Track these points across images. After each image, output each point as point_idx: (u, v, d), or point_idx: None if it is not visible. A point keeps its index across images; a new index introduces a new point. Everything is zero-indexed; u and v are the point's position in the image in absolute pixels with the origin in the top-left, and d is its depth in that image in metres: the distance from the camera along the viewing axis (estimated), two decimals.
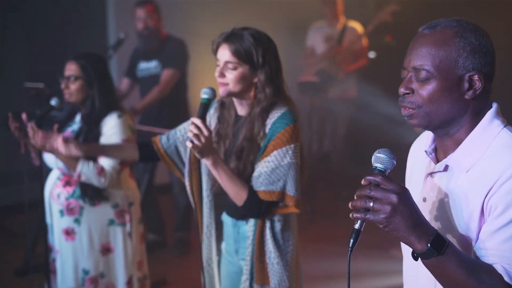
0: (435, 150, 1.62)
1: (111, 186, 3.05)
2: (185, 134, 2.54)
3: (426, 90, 1.50)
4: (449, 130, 1.54)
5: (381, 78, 7.14)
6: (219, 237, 2.60)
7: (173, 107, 4.80)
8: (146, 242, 3.46)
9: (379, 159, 1.46)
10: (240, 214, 2.44)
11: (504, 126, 1.53)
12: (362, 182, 1.42)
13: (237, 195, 2.32)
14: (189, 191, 2.53)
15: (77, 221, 3.08)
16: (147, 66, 4.80)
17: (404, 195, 1.38)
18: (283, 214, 2.40)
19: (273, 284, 2.39)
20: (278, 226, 2.38)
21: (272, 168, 2.30)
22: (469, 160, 1.51)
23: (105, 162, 3.01)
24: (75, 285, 3.12)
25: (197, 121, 2.20)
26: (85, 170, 2.97)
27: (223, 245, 2.59)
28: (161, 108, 4.76)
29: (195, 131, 2.19)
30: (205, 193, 2.51)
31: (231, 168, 2.36)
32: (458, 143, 1.55)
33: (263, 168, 2.31)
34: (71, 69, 3.08)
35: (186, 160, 2.55)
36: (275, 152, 2.30)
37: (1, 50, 5.46)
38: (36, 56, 5.63)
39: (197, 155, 2.26)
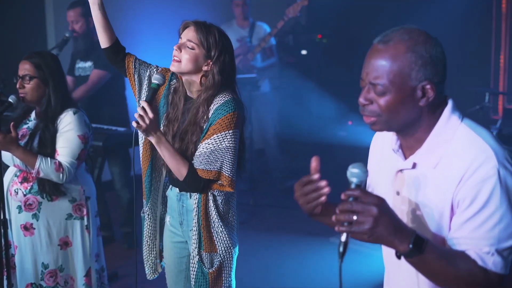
0: (401, 146, 1.75)
1: (68, 181, 3.14)
2: (149, 73, 2.76)
3: (383, 101, 1.62)
4: (409, 131, 1.68)
5: (312, 73, 7.44)
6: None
7: (111, 105, 4.96)
8: None
9: (354, 174, 1.53)
10: (182, 188, 2.68)
11: (462, 120, 1.67)
12: (342, 197, 1.51)
13: (178, 171, 2.57)
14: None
15: (35, 216, 3.14)
16: (83, 66, 4.92)
17: (383, 206, 1.49)
18: (223, 190, 2.63)
19: (220, 251, 2.63)
20: (219, 199, 2.62)
21: (211, 150, 2.53)
22: (434, 157, 1.65)
23: (62, 158, 3.09)
24: (35, 279, 3.18)
25: (144, 104, 2.46)
26: (43, 167, 3.04)
27: (167, 218, 2.84)
28: (100, 106, 4.88)
29: (141, 112, 2.44)
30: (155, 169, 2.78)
31: (176, 148, 2.60)
32: (420, 141, 1.68)
33: (203, 149, 2.54)
34: (25, 68, 3.13)
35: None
36: (214, 136, 2.53)
37: None
38: None
39: (143, 134, 2.52)
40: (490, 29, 5.88)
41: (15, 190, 3.16)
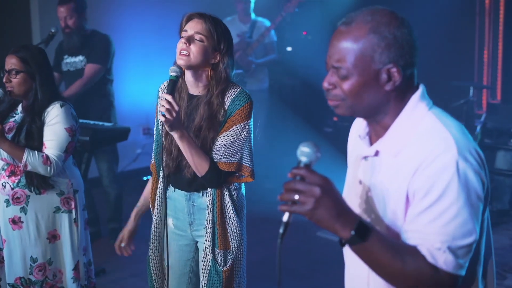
0: (369, 133, 1.68)
1: (56, 174, 3.13)
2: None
3: (346, 85, 1.54)
4: (376, 117, 1.60)
5: (297, 69, 7.48)
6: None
7: (99, 101, 4.99)
8: None
9: (304, 153, 1.46)
10: (195, 187, 2.61)
11: (430, 109, 1.57)
12: (288, 175, 1.45)
13: (200, 166, 2.48)
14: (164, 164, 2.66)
15: (23, 209, 3.14)
16: (73, 60, 4.92)
17: (327, 187, 1.42)
18: (238, 183, 2.60)
19: (233, 248, 2.59)
20: (235, 193, 2.58)
21: (231, 142, 2.49)
22: (396, 145, 1.56)
23: (50, 151, 3.09)
24: (24, 273, 3.17)
25: (168, 97, 2.35)
26: (31, 160, 3.03)
27: (171, 221, 2.74)
28: (87, 102, 4.89)
29: (167, 106, 2.33)
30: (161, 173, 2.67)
31: None
32: (386, 128, 1.60)
33: (222, 141, 2.50)
34: (11, 62, 3.12)
35: (156, 135, 2.71)
36: (234, 127, 2.49)
37: None
38: None
39: (167, 129, 2.40)
40: (474, 25, 5.94)
41: (2, 183, 3.15)
